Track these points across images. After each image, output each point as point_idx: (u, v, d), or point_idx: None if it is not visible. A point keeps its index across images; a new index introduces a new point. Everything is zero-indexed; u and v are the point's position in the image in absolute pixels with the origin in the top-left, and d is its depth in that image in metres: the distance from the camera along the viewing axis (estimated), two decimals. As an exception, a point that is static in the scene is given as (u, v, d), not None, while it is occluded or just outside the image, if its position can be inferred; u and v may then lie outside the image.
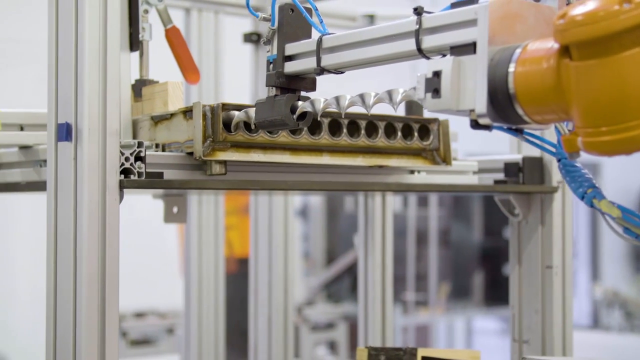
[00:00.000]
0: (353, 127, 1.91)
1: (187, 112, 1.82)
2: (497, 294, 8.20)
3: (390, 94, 1.49)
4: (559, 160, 1.38)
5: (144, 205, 3.52)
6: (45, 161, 1.84)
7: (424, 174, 2.11)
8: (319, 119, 1.81)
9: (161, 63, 2.20)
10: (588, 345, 6.52)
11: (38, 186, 1.95)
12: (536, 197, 2.28)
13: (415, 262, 7.68)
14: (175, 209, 2.66)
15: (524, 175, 2.24)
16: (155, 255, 7.11)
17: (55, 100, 1.72)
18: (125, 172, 1.71)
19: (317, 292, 7.52)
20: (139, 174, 1.72)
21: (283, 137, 1.82)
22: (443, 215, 8.12)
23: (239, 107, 1.78)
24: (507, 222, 2.37)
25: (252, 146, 1.80)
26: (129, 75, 2.06)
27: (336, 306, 7.00)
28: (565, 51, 1.17)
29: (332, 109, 1.58)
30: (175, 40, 2.17)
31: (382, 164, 1.96)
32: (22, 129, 2.01)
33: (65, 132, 1.68)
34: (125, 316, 5.28)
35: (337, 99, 1.56)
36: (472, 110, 1.28)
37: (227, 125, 1.77)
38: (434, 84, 1.32)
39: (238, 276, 4.97)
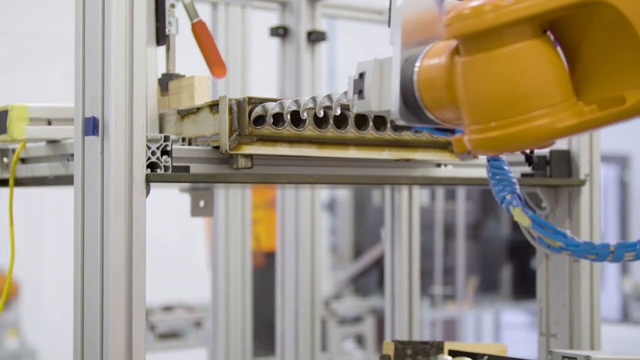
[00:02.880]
0: (379, 120, 1.90)
1: (214, 106, 1.83)
2: (525, 287, 8.16)
3: (330, 97, 1.56)
4: (488, 161, 1.37)
5: (171, 199, 3.53)
6: (72, 155, 1.85)
7: (451, 167, 2.10)
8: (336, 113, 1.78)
9: (188, 57, 2.20)
10: (617, 339, 6.48)
11: (65, 180, 1.96)
12: (564, 190, 2.27)
13: (443, 255, 7.66)
14: (202, 203, 2.66)
15: (551, 169, 2.23)
16: (183, 249, 7.13)
17: (82, 95, 1.73)
18: (152, 166, 1.71)
19: (344, 286, 7.51)
20: (166, 168, 1.73)
21: (309, 130, 1.82)
22: (471, 208, 8.09)
23: (265, 101, 1.78)
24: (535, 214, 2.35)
25: (278, 140, 1.80)
26: (155, 69, 2.07)
27: (363, 300, 6.99)
28: (456, 49, 1.17)
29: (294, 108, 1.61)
30: (201, 34, 2.18)
31: (408, 157, 1.95)
32: (49, 123, 2.02)
33: (92, 127, 1.68)
34: (153, 310, 5.29)
35: (297, 101, 1.61)
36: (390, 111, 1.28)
37: (253, 118, 1.77)
38: (359, 85, 1.33)
39: (265, 270, 4.97)
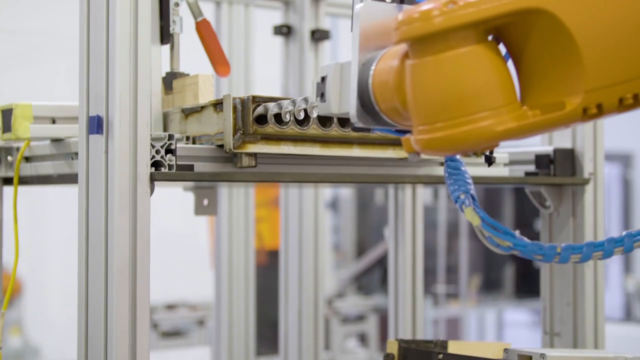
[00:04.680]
0: (383, 119, 1.90)
1: (218, 105, 1.83)
2: (528, 286, 8.16)
3: (306, 100, 1.64)
4: (445, 161, 1.40)
5: (175, 198, 3.53)
6: (76, 154, 1.85)
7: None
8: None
9: (192, 56, 2.20)
10: (620, 338, 6.48)
11: (70, 179, 1.96)
12: (567, 189, 2.27)
13: (446, 254, 7.66)
14: (205, 202, 2.66)
15: (555, 167, 2.23)
16: (186, 248, 7.14)
17: (86, 93, 1.73)
18: (156, 164, 1.71)
19: (347, 285, 7.51)
20: (170, 167, 1.73)
21: (313, 129, 1.82)
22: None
23: (269, 100, 1.78)
24: (538, 214, 2.35)
25: (282, 139, 1.80)
26: (159, 68, 2.07)
27: (367, 298, 6.99)
28: (406, 53, 1.20)
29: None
30: (205, 33, 2.18)
31: (412, 156, 1.95)
32: (54, 122, 2.02)
33: (96, 125, 1.69)
34: (157, 308, 5.29)
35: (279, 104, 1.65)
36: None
37: (257, 117, 1.77)
38: (321, 89, 1.38)
39: (268, 268, 4.98)
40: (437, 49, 1.15)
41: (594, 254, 1.33)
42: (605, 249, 1.33)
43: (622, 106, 1.17)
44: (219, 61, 2.17)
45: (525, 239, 1.33)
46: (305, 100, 1.71)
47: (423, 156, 1.28)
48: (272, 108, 1.76)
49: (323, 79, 1.38)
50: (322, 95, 1.39)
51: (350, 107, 1.31)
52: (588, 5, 1.13)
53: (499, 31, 1.18)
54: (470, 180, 1.38)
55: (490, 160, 1.42)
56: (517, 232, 1.33)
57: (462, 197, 1.35)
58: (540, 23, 1.14)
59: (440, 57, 1.15)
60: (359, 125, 1.31)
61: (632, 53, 1.14)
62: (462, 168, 1.38)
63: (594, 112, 1.16)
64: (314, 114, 1.45)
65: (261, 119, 1.77)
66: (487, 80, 1.14)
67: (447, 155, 1.26)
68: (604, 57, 1.14)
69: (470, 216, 1.33)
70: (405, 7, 1.33)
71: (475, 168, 2.13)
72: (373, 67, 1.28)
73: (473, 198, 1.36)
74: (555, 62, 1.16)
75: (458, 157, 1.37)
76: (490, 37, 1.18)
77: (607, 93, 1.15)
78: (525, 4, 1.13)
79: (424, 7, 1.15)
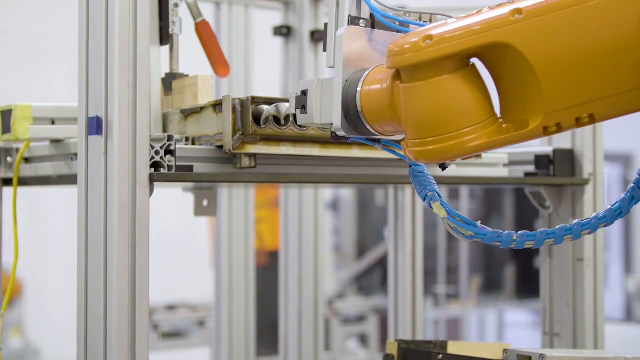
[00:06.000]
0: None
1: (217, 106, 1.83)
2: (528, 286, 8.15)
3: (277, 107, 1.78)
4: (409, 166, 1.56)
5: (175, 198, 3.53)
6: (76, 155, 1.85)
7: (454, 167, 2.10)
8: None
9: (191, 57, 2.21)
10: (621, 339, 6.48)
11: (69, 180, 1.97)
12: (567, 190, 2.27)
13: (447, 255, 7.66)
14: (205, 202, 2.66)
15: (554, 168, 2.23)
16: (187, 248, 7.14)
17: (85, 94, 1.73)
18: (155, 165, 1.71)
19: (347, 285, 7.52)
20: (169, 168, 1.73)
21: (312, 130, 1.82)
22: (474, 207, 8.09)
23: (268, 101, 1.78)
24: (538, 214, 2.35)
25: (281, 139, 1.80)
26: (159, 69, 2.07)
27: (367, 299, 6.99)
28: (397, 75, 1.39)
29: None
30: (205, 34, 2.18)
31: (411, 157, 1.95)
32: (53, 122, 2.02)
33: (95, 126, 1.69)
34: (157, 309, 5.29)
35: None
36: (331, 124, 1.50)
37: (257, 118, 1.78)
38: (302, 101, 1.55)
39: (269, 269, 4.98)
40: (423, 76, 1.34)
41: (546, 241, 1.48)
42: (557, 236, 1.47)
43: (579, 124, 1.33)
44: (218, 62, 2.17)
45: (487, 228, 1.49)
46: (277, 107, 1.78)
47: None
48: (272, 109, 1.77)
49: (304, 92, 1.54)
50: (302, 107, 1.55)
51: (333, 118, 1.49)
52: (546, 39, 1.30)
53: (478, 55, 1.35)
54: (433, 181, 1.55)
55: (444, 166, 1.60)
56: (478, 223, 1.50)
57: (430, 194, 1.52)
58: (505, 54, 1.31)
59: (426, 83, 1.34)
60: (341, 134, 1.49)
61: (586, 80, 1.30)
62: (425, 171, 1.55)
63: (553, 129, 1.33)
64: (298, 123, 1.60)
65: (260, 120, 1.77)
66: (464, 101, 1.34)
67: (436, 163, 1.44)
68: (561, 84, 1.31)
69: (437, 209, 1.50)
70: (377, 31, 1.54)
71: (474, 169, 2.13)
72: (360, 86, 1.46)
73: (438, 194, 1.53)
74: (520, 86, 1.33)
75: None
76: (473, 60, 1.36)
77: (565, 114, 1.32)
78: (489, 39, 1.30)
79: (405, 40, 1.34)
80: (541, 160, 2.23)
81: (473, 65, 1.36)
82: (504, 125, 1.35)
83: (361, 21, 1.54)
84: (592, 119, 1.32)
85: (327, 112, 1.52)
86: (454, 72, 1.34)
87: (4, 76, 6.77)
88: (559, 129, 1.33)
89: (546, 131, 1.33)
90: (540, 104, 1.32)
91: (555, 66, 1.30)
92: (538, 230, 1.49)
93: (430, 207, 1.52)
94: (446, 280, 7.68)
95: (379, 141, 1.56)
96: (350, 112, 1.47)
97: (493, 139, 1.35)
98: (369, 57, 1.52)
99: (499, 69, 1.35)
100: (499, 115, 1.37)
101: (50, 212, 6.75)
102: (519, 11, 1.30)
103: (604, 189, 2.27)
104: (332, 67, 1.53)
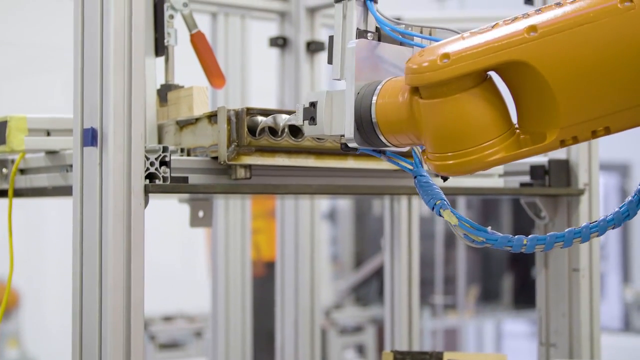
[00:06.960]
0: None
1: (212, 117, 1.83)
2: (526, 297, 8.14)
3: (275, 118, 1.79)
4: (415, 177, 1.57)
5: (172, 210, 3.53)
6: (71, 166, 1.85)
7: (450, 177, 2.10)
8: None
9: (187, 68, 2.21)
10: (619, 349, 6.47)
11: (64, 191, 1.96)
12: (562, 200, 2.27)
13: (444, 265, 7.66)
14: (201, 213, 2.66)
15: (550, 178, 2.23)
16: (184, 259, 7.13)
17: (81, 106, 1.73)
18: (151, 176, 1.71)
19: (345, 296, 7.51)
20: (164, 179, 1.73)
21: (308, 141, 1.82)
22: (471, 217, 8.06)
23: (263, 112, 1.78)
24: (534, 224, 2.35)
25: (276, 150, 1.80)
26: (154, 80, 2.07)
27: (364, 309, 6.99)
28: (415, 89, 1.41)
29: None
30: (200, 45, 2.18)
31: (407, 168, 1.95)
32: (48, 134, 2.03)
33: (90, 137, 1.69)
34: (154, 320, 5.30)
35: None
36: (342, 135, 1.52)
37: (252, 129, 1.78)
38: (310, 113, 1.56)
39: (265, 279, 4.97)
40: (442, 93, 1.36)
41: (556, 244, 1.48)
42: (566, 239, 1.48)
43: (595, 136, 1.36)
44: (213, 73, 2.17)
45: (497, 233, 1.50)
46: (274, 119, 1.79)
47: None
48: (269, 120, 1.77)
49: (312, 104, 1.56)
50: (311, 119, 1.56)
51: (345, 130, 1.50)
52: (562, 57, 1.32)
53: (495, 69, 1.36)
54: (439, 190, 1.55)
55: (445, 177, 1.63)
56: (489, 228, 1.51)
57: (439, 202, 1.52)
58: (521, 70, 1.33)
59: (444, 100, 1.36)
60: (353, 145, 1.51)
61: (602, 94, 1.32)
62: (430, 181, 1.55)
63: (570, 142, 1.36)
64: (306, 134, 1.61)
65: (256, 131, 1.77)
66: (483, 117, 1.36)
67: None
68: (577, 99, 1.33)
69: (448, 217, 1.50)
70: (382, 44, 1.56)
71: (471, 179, 2.13)
72: (375, 99, 1.48)
73: (446, 202, 1.54)
74: (536, 100, 1.35)
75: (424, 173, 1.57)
76: (490, 72, 1.38)
77: (581, 127, 1.34)
78: (505, 57, 1.32)
79: (423, 58, 1.36)
80: (536, 171, 2.23)
81: (490, 78, 1.39)
82: (521, 137, 1.38)
83: (369, 34, 1.56)
84: (608, 131, 1.35)
85: (338, 124, 1.53)
86: (472, 89, 1.36)
87: (1, 87, 6.77)
88: (575, 141, 1.36)
89: (563, 144, 1.36)
90: (556, 118, 1.34)
91: (570, 82, 1.32)
92: (547, 234, 1.50)
93: (440, 215, 1.52)
94: (444, 291, 7.68)
95: (383, 152, 1.57)
96: (364, 124, 1.49)
97: (511, 153, 1.38)
98: (378, 69, 1.54)
99: (516, 83, 1.37)
100: (516, 124, 1.40)
101: (46, 223, 6.74)
102: (533, 28, 1.32)
103: (599, 199, 2.27)
104: (339, 79, 1.55)
